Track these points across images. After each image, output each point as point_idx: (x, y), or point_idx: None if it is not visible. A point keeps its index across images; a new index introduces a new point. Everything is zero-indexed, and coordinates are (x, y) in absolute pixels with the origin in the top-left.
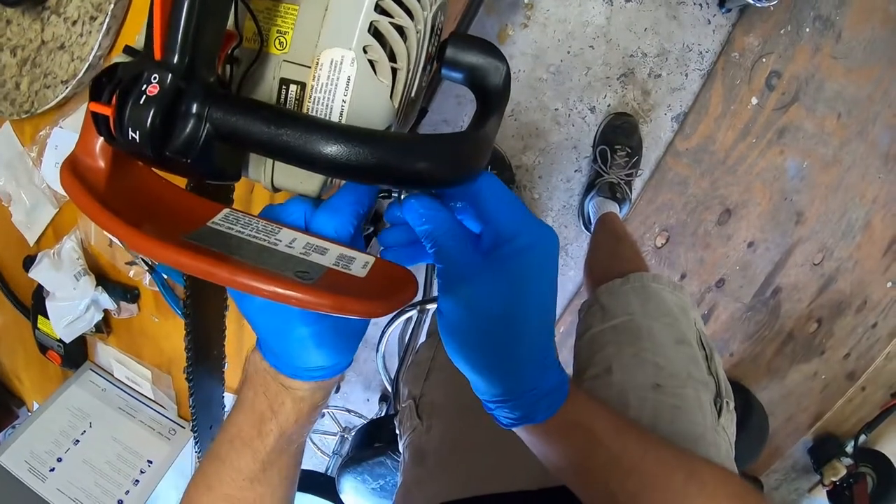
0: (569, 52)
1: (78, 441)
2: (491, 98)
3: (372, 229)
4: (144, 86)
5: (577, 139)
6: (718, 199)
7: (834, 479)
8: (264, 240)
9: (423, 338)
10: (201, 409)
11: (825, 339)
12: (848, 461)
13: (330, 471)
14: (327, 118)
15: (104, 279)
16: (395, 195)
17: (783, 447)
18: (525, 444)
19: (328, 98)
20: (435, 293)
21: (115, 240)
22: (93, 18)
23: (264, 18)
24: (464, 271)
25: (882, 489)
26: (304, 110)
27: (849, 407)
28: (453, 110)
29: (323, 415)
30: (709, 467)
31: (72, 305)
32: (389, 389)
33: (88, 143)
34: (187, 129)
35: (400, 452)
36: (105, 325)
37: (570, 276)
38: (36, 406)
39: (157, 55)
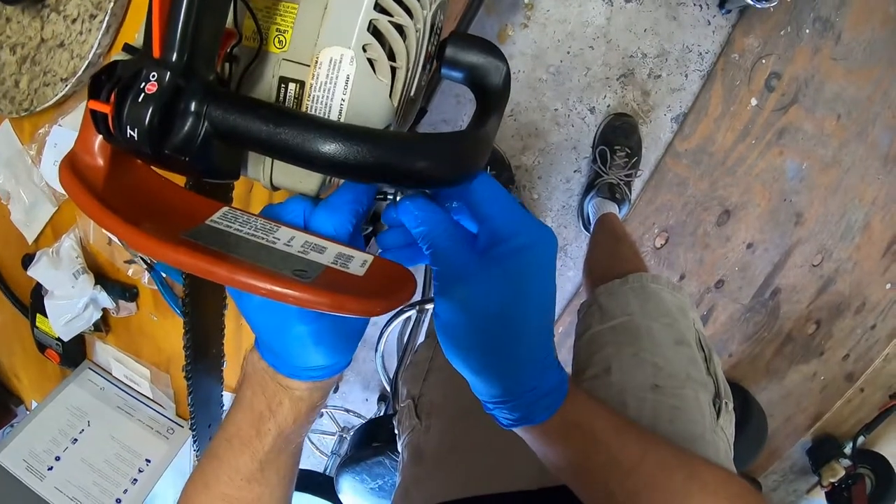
0: (568, 53)
1: (76, 440)
2: (491, 97)
3: (371, 229)
4: (143, 84)
5: (577, 140)
6: (718, 199)
7: (832, 481)
8: (263, 238)
9: (421, 337)
10: (200, 408)
11: (824, 340)
12: (846, 462)
13: (328, 470)
14: (326, 117)
15: (103, 278)
16: (391, 196)
17: (782, 448)
18: (524, 444)
19: (327, 97)
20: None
21: (113, 238)
22: (92, 16)
23: (264, 17)
24: (460, 272)
25: (880, 490)
26: (303, 109)
27: (847, 408)
28: (453, 109)
29: (321, 414)
30: (709, 467)
31: (70, 304)
32: (388, 389)
33: (87, 141)
34: (186, 127)
35: (398, 452)
36: (104, 324)
37: (570, 276)
38: (34, 405)
39: (156, 53)
